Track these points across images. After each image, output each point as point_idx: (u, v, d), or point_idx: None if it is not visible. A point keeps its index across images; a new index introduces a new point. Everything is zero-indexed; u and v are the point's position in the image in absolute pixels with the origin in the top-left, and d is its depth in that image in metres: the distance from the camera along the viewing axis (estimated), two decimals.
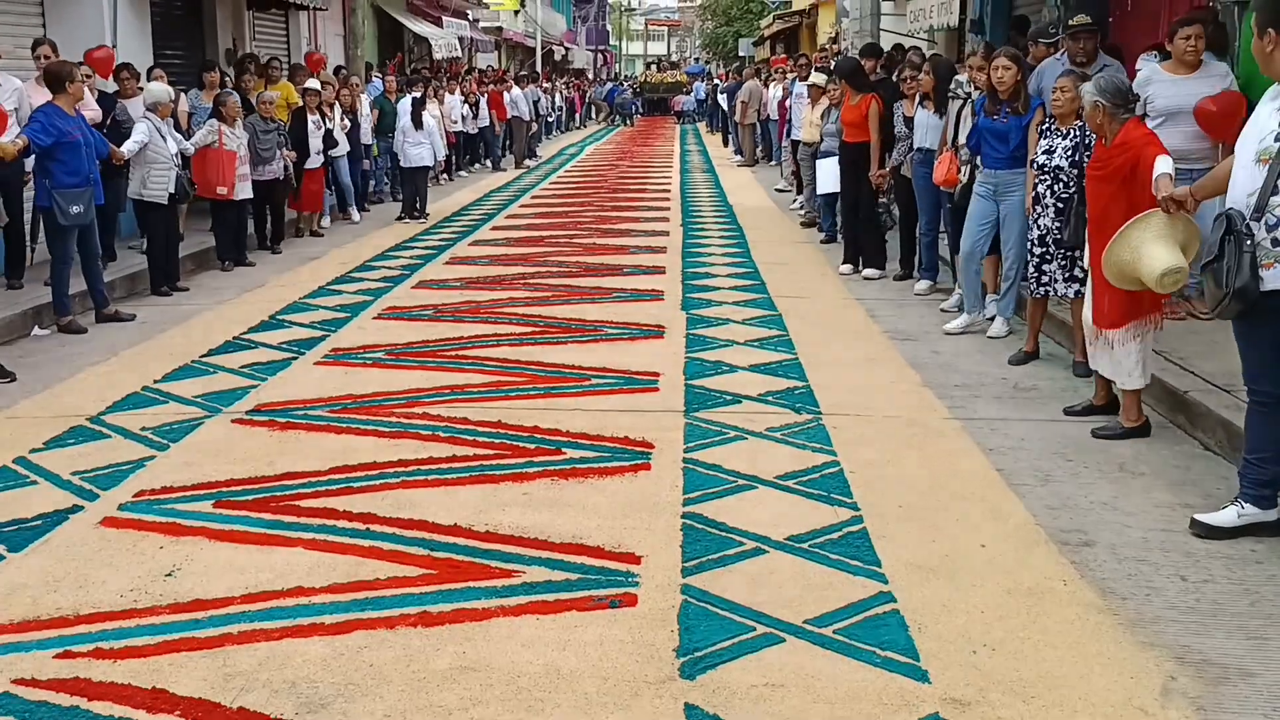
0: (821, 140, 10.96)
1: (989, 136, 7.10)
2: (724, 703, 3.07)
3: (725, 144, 25.93)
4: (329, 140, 12.46)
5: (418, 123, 13.58)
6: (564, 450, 5.13)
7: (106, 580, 3.87)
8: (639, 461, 4.98)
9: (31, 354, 7.18)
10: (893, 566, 3.91)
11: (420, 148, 13.56)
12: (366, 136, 14.36)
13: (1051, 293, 6.42)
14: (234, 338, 7.49)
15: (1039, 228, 6.38)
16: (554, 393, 6.09)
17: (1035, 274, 6.44)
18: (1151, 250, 4.72)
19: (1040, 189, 6.35)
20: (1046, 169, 6.28)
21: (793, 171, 14.55)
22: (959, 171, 7.61)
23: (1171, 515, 4.39)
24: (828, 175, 10.62)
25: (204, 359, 6.92)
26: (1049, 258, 6.35)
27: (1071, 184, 6.15)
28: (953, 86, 8.15)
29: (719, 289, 9.07)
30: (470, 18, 30.72)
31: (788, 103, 14.60)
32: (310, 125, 12.00)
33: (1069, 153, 6.17)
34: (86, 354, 7.13)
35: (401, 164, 13.88)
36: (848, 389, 6.13)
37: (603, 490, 4.66)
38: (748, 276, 9.65)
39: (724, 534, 4.19)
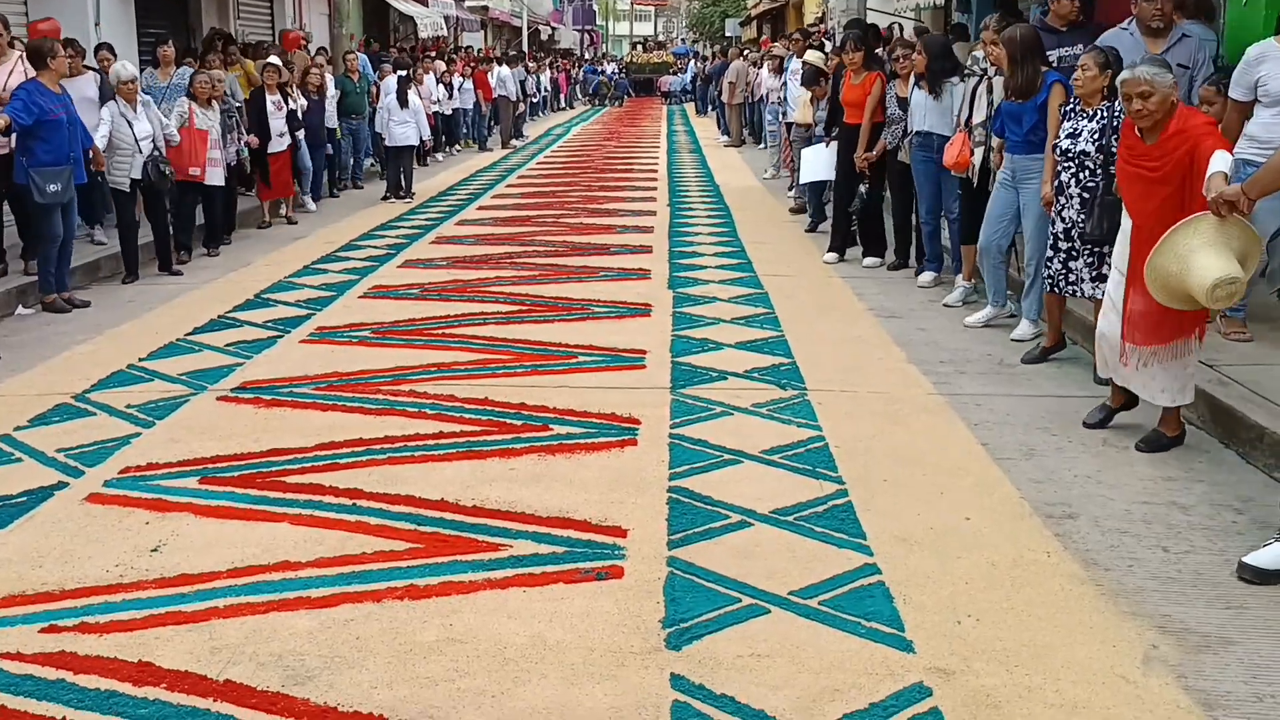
0: (816, 124, 10.65)
1: (1006, 118, 6.56)
2: (710, 673, 3.09)
3: (718, 125, 25.73)
4: (293, 121, 11.79)
5: (403, 102, 13.50)
6: (550, 426, 5.13)
7: (92, 555, 3.86)
8: (625, 437, 4.99)
9: (16, 333, 7.15)
10: (878, 539, 3.93)
11: (405, 127, 13.47)
12: (331, 120, 13.60)
13: (1079, 292, 5.79)
14: (219, 316, 7.46)
15: (1063, 220, 5.74)
16: (540, 370, 6.09)
17: (1063, 271, 5.80)
18: (1202, 259, 4.10)
19: (1064, 177, 5.71)
20: (1071, 155, 5.65)
21: (785, 157, 13.97)
22: (972, 154, 7.12)
23: (1154, 488, 4.42)
24: (814, 163, 10.30)
25: (189, 337, 6.89)
26: (1075, 254, 5.73)
27: (1099, 171, 5.57)
28: (969, 64, 7.75)
29: (706, 268, 9.07)
30: None
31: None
32: (270, 105, 11.34)
33: (1096, 136, 5.57)
34: (71, 333, 7.09)
35: (386, 143, 13.77)
36: (833, 365, 6.14)
37: (589, 465, 4.67)
38: (734, 255, 9.65)
39: (710, 507, 4.21)
